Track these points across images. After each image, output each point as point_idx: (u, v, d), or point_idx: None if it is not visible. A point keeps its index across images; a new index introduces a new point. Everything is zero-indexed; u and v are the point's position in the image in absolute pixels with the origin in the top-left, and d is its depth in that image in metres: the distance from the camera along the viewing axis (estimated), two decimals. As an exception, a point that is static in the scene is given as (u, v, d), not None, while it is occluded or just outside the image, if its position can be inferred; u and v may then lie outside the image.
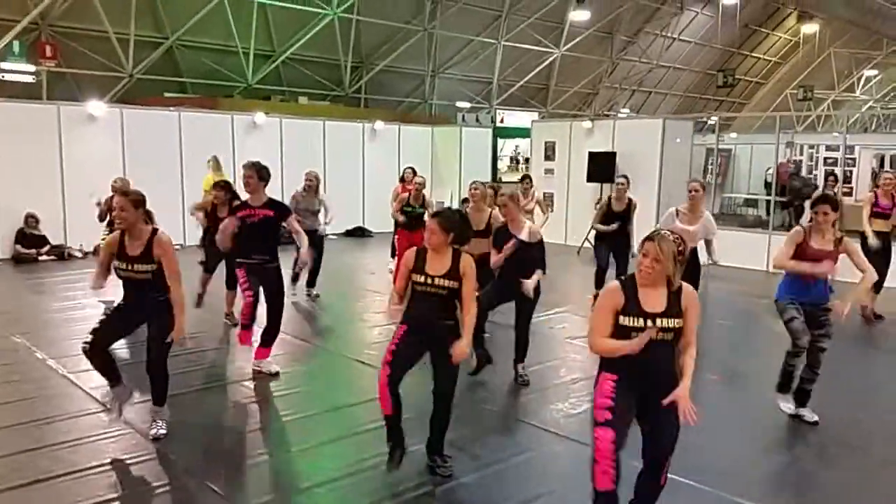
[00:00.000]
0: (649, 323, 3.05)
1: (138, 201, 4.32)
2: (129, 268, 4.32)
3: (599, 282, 8.39)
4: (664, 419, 3.17)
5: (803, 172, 16.55)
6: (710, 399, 5.42)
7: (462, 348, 3.80)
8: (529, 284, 5.39)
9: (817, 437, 4.81)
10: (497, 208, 6.58)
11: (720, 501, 3.93)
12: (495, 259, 5.55)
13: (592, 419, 3.17)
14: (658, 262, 3.04)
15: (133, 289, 4.42)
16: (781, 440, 4.84)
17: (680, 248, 3.08)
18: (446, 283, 3.86)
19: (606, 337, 3.15)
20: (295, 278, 8.76)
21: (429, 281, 3.87)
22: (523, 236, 5.50)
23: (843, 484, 4.27)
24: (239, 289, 6.13)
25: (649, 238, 3.11)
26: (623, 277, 3.23)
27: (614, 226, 8.19)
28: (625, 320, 3.09)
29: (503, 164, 20.36)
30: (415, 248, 4.02)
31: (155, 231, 4.40)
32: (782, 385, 5.11)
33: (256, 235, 5.71)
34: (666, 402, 3.09)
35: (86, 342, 4.38)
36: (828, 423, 4.94)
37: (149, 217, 4.48)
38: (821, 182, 15.48)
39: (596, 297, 3.66)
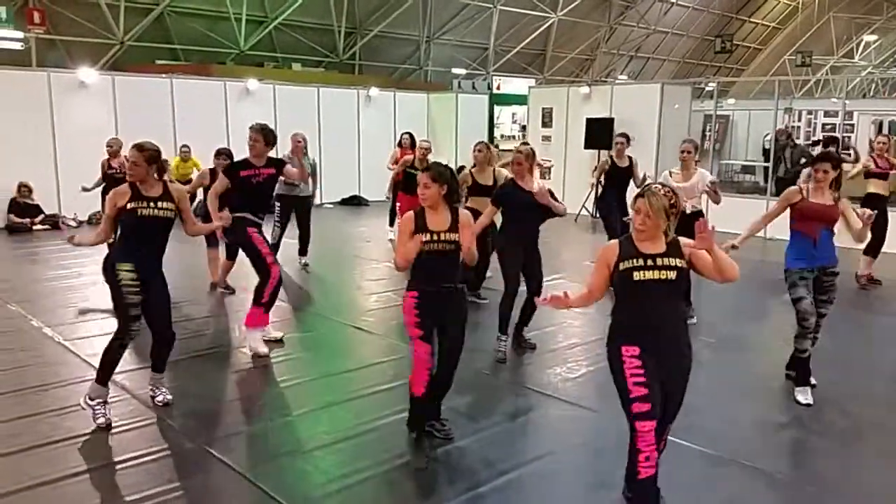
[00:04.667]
0: (649, 262, 3.08)
1: (151, 157, 4.22)
2: (154, 205, 4.21)
3: None
4: (673, 387, 3.17)
5: (801, 140, 16.43)
6: (707, 362, 5.44)
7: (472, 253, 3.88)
8: (544, 192, 5.40)
9: (812, 400, 4.82)
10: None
11: (714, 461, 3.95)
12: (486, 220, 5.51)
13: (630, 411, 3.06)
14: (650, 218, 3.07)
15: (150, 236, 4.26)
16: (777, 403, 4.85)
17: (672, 202, 3.10)
18: (452, 236, 3.80)
19: (598, 289, 3.28)
20: (275, 248, 8.60)
21: (435, 238, 3.78)
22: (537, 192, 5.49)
23: (835, 446, 4.29)
24: (262, 260, 5.52)
25: (640, 195, 3.14)
26: (622, 238, 3.25)
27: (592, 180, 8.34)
28: (625, 264, 3.11)
29: (499, 133, 20.20)
30: (411, 211, 3.92)
31: (165, 182, 4.37)
32: (798, 376, 4.87)
33: (262, 194, 5.69)
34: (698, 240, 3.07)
35: (120, 339, 4.22)
36: (823, 386, 4.95)
37: (161, 169, 4.37)
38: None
39: None
